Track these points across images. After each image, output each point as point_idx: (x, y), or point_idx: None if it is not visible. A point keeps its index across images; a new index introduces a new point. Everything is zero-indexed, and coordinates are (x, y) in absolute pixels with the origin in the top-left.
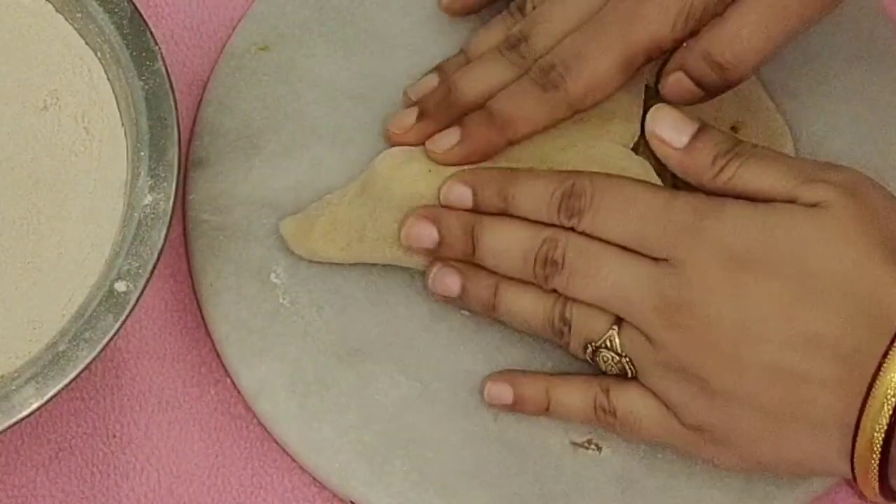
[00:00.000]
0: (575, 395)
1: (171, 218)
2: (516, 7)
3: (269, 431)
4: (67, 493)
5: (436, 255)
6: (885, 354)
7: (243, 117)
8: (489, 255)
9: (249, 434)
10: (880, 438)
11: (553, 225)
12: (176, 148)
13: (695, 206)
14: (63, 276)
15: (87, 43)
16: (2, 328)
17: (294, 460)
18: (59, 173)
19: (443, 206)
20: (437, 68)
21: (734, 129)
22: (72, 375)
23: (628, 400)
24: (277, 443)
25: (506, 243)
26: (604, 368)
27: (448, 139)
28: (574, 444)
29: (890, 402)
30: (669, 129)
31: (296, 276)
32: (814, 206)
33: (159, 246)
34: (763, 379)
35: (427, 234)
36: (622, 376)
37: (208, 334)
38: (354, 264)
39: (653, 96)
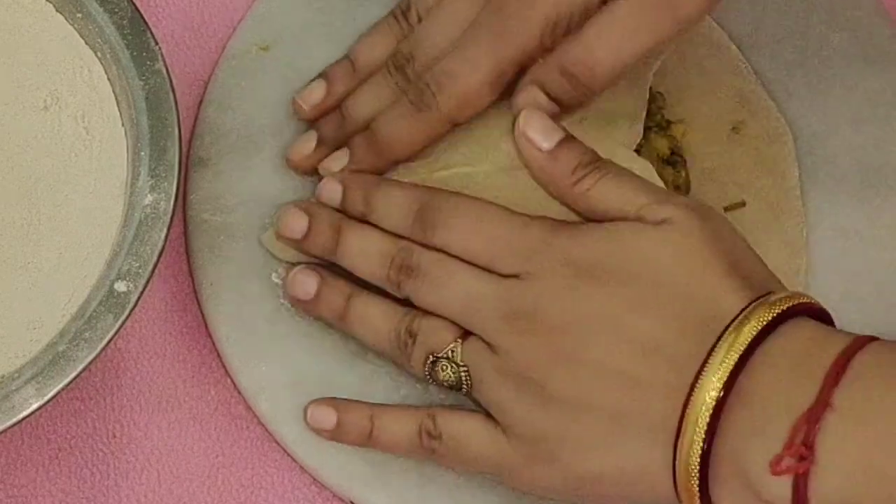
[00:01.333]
0: (400, 422)
1: (172, 218)
2: (401, 12)
3: (269, 431)
4: (67, 493)
5: (302, 247)
6: (706, 360)
7: (244, 117)
8: (348, 254)
9: (249, 434)
10: (700, 442)
11: (410, 239)
12: (176, 148)
13: (546, 227)
14: (63, 276)
15: (87, 43)
16: (2, 328)
17: (294, 460)
18: (59, 173)
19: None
20: (323, 75)
21: (735, 129)
22: (72, 375)
23: (456, 423)
24: (277, 443)
25: (365, 245)
26: (440, 380)
27: (338, 162)
28: None
29: (708, 407)
30: (538, 132)
31: None
32: (660, 223)
33: (159, 246)
34: (599, 381)
35: (298, 224)
36: (455, 390)
37: (208, 334)
38: None
39: (656, 99)
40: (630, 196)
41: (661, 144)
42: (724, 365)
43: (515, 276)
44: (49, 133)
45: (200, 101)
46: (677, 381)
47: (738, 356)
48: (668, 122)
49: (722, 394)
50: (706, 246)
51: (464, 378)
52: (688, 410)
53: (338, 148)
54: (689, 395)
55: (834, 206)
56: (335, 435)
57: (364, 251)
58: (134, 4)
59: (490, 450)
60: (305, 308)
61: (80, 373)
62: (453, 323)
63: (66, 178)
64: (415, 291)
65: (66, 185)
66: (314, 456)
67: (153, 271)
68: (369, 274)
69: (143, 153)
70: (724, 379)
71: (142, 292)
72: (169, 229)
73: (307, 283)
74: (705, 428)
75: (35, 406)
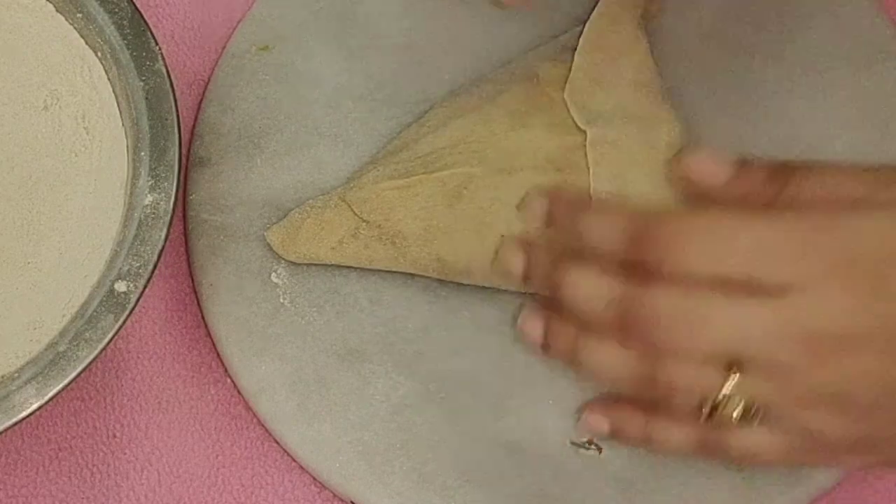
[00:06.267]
0: (681, 431)
1: (172, 218)
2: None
3: (269, 431)
4: (67, 493)
5: (524, 283)
6: None
7: (244, 117)
8: (570, 297)
9: (249, 434)
10: None
11: (634, 267)
12: (176, 148)
13: (800, 223)
14: (63, 276)
15: (87, 43)
16: (2, 328)
17: (294, 460)
18: (59, 173)
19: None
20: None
21: None
22: (72, 375)
23: (746, 438)
24: (277, 443)
25: (587, 290)
26: (724, 422)
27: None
28: (574, 444)
29: None
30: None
31: (296, 275)
32: None
33: (160, 246)
34: None
35: (515, 262)
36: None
37: (208, 334)
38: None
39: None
40: (852, 183)
41: None
42: None
43: (784, 289)
44: (49, 133)
45: (200, 101)
46: None
47: None
48: None
49: None
50: None
51: (754, 413)
52: None
53: None
54: None
55: None
56: (614, 435)
57: (585, 297)
58: (134, 4)
59: (786, 455)
60: (539, 353)
61: (80, 373)
62: (708, 359)
63: (66, 178)
64: (657, 339)
65: (66, 185)
66: (314, 456)
67: (153, 271)
68: (597, 320)
69: (143, 153)
70: None
71: (142, 292)
72: (169, 229)
73: (532, 326)
74: None
75: (35, 406)
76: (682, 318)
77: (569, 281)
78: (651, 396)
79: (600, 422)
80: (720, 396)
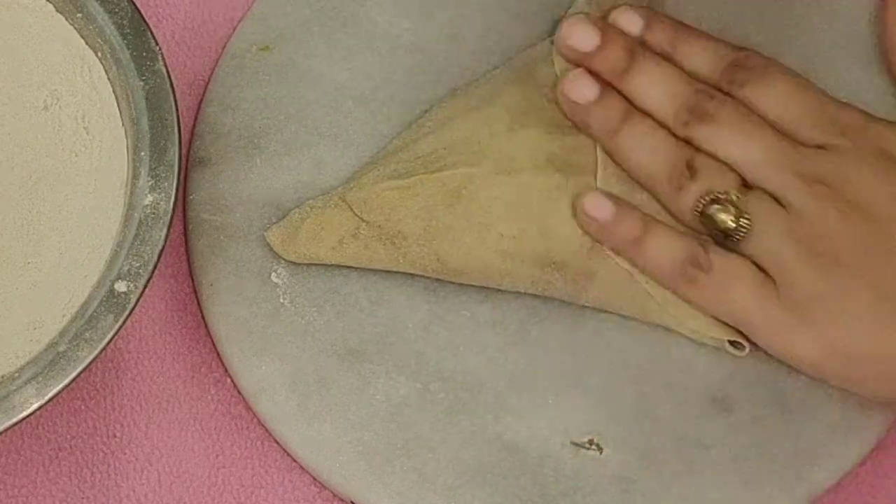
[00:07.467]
0: (672, 239)
1: (172, 218)
2: None
3: (269, 431)
4: (67, 493)
5: (583, 61)
6: None
7: (244, 117)
8: (639, 80)
9: (249, 434)
10: None
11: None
12: (176, 148)
13: (863, 113)
14: (63, 276)
15: (87, 43)
16: (2, 328)
17: (294, 460)
18: (59, 173)
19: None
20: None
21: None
22: (72, 375)
23: (728, 260)
24: (277, 443)
25: (662, 78)
26: (714, 221)
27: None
28: (574, 444)
29: None
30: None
31: (296, 275)
32: None
33: (160, 246)
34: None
35: (590, 37)
36: (723, 237)
37: (208, 334)
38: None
39: None
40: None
41: None
42: None
43: (820, 147)
44: (49, 133)
45: (200, 101)
46: None
47: None
48: None
49: None
50: None
51: (743, 224)
52: None
53: None
54: None
55: None
56: (604, 231)
57: (659, 81)
58: (134, 4)
59: (754, 299)
60: (576, 112)
61: (80, 373)
62: (741, 170)
63: (66, 178)
64: (706, 135)
65: (66, 185)
66: (314, 456)
67: (153, 271)
68: (657, 105)
69: (143, 153)
70: None
71: (142, 292)
72: (169, 229)
73: (588, 88)
74: None
75: (35, 406)
76: (730, 124)
77: (646, 66)
78: (663, 182)
79: (604, 204)
80: (724, 194)
